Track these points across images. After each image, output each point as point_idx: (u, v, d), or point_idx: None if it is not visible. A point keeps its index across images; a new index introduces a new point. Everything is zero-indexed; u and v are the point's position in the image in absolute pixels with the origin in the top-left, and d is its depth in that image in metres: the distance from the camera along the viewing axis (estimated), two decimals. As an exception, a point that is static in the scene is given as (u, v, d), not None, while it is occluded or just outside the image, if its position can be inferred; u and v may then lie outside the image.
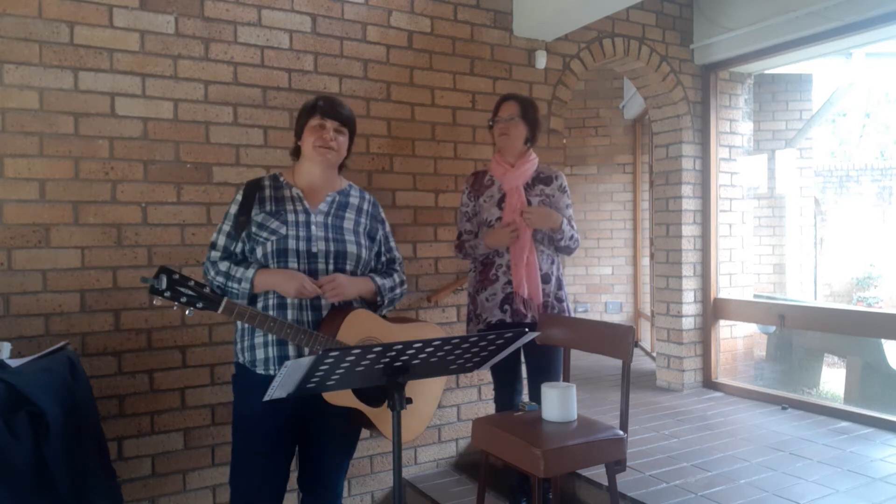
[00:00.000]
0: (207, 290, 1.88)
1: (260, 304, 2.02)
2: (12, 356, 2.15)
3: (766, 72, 4.90)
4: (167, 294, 1.82)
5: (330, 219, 2.10)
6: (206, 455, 2.84)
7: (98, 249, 2.63)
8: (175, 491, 2.78)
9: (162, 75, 2.74)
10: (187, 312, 1.87)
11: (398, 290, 2.20)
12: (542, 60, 3.67)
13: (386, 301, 2.15)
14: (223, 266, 2.02)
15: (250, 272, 1.98)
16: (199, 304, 1.85)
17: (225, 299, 1.88)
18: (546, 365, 2.74)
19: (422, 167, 3.37)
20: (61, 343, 2.32)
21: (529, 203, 2.72)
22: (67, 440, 1.95)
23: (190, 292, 1.84)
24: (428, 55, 3.37)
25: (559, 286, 2.80)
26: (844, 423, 3.72)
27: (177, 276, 1.83)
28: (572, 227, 2.76)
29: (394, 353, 1.51)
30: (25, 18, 2.50)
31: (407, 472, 3.37)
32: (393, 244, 2.29)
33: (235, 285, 1.99)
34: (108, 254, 2.65)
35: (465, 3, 3.47)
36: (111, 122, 2.65)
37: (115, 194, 2.66)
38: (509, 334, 1.66)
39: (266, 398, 1.53)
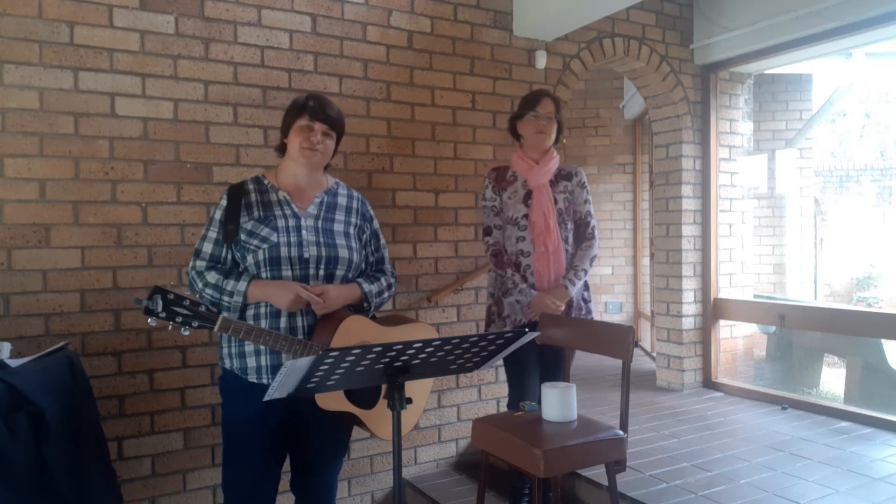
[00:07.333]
0: (203, 307, 1.86)
1: (251, 312, 1.98)
2: (12, 356, 2.15)
3: (766, 72, 4.90)
4: (162, 315, 1.80)
5: (320, 222, 2.06)
6: (206, 455, 2.84)
7: (98, 249, 2.63)
8: (175, 491, 2.78)
9: (162, 75, 2.74)
10: (182, 331, 1.84)
11: (385, 294, 2.19)
12: (542, 60, 3.67)
13: (372, 307, 2.14)
14: (212, 278, 1.97)
15: (242, 285, 1.94)
16: (195, 324, 1.84)
17: (221, 317, 1.86)
18: (558, 365, 2.74)
19: (422, 167, 3.37)
20: (61, 343, 2.32)
21: (556, 200, 2.74)
22: (67, 440, 1.96)
23: (185, 311, 1.83)
24: (428, 55, 3.37)
25: (585, 286, 2.84)
26: (844, 423, 3.72)
27: (171, 297, 1.81)
28: (591, 220, 2.82)
29: (394, 354, 1.51)
30: (25, 18, 2.50)
31: (407, 472, 3.37)
32: (382, 242, 2.26)
33: (227, 298, 1.95)
34: (108, 254, 2.65)
35: (465, 3, 3.47)
36: (111, 122, 2.65)
37: (115, 194, 2.66)
38: (509, 334, 1.66)
39: (266, 398, 1.52)
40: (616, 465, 2.31)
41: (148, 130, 2.72)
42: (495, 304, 2.80)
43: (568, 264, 2.76)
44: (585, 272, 2.77)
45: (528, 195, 2.75)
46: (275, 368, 1.97)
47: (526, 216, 2.73)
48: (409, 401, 1.61)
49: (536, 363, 2.77)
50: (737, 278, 4.64)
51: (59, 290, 2.57)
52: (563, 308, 2.70)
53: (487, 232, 2.79)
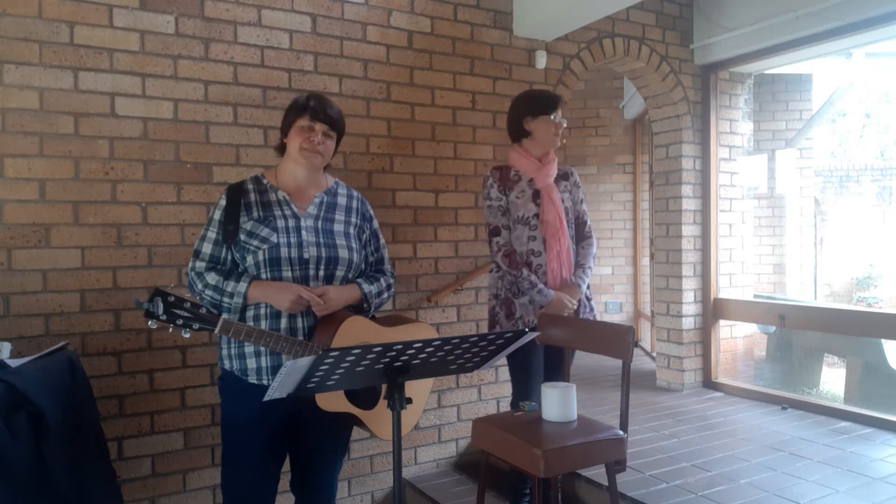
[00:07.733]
0: (203, 309, 1.86)
1: (251, 313, 1.98)
2: (12, 356, 2.15)
3: (766, 72, 4.90)
4: (163, 317, 1.81)
5: (320, 222, 2.06)
6: (206, 455, 2.84)
7: (98, 249, 2.63)
8: (175, 491, 2.78)
9: (162, 75, 2.74)
10: (183, 334, 1.84)
11: (385, 295, 2.18)
12: (542, 60, 3.67)
13: (372, 307, 2.13)
14: (211, 279, 1.96)
15: (242, 286, 1.94)
16: (196, 326, 1.84)
17: (222, 319, 1.86)
18: (559, 365, 2.74)
19: (422, 167, 3.37)
20: (61, 343, 2.32)
21: (562, 199, 2.78)
22: (67, 440, 1.96)
23: (186, 314, 1.83)
24: (428, 55, 3.37)
25: (587, 286, 2.87)
26: (844, 423, 3.72)
27: (172, 299, 1.81)
28: (587, 219, 2.89)
29: (394, 354, 1.51)
30: (25, 18, 2.50)
31: (407, 472, 3.37)
32: (381, 242, 2.25)
33: (227, 299, 1.95)
34: (108, 254, 2.65)
35: (465, 3, 3.47)
36: (111, 122, 2.65)
37: (115, 194, 2.66)
38: (509, 334, 1.66)
39: (266, 398, 1.52)
40: (616, 465, 2.31)
41: (148, 130, 2.72)
42: (502, 304, 2.76)
43: (574, 263, 2.80)
44: (591, 269, 2.84)
45: (536, 194, 2.75)
46: (275, 369, 1.97)
47: (536, 215, 2.73)
48: (409, 401, 1.60)
49: (542, 364, 2.78)
50: (737, 278, 4.64)
51: (59, 290, 2.57)
52: (576, 306, 2.73)
53: (496, 232, 2.74)
